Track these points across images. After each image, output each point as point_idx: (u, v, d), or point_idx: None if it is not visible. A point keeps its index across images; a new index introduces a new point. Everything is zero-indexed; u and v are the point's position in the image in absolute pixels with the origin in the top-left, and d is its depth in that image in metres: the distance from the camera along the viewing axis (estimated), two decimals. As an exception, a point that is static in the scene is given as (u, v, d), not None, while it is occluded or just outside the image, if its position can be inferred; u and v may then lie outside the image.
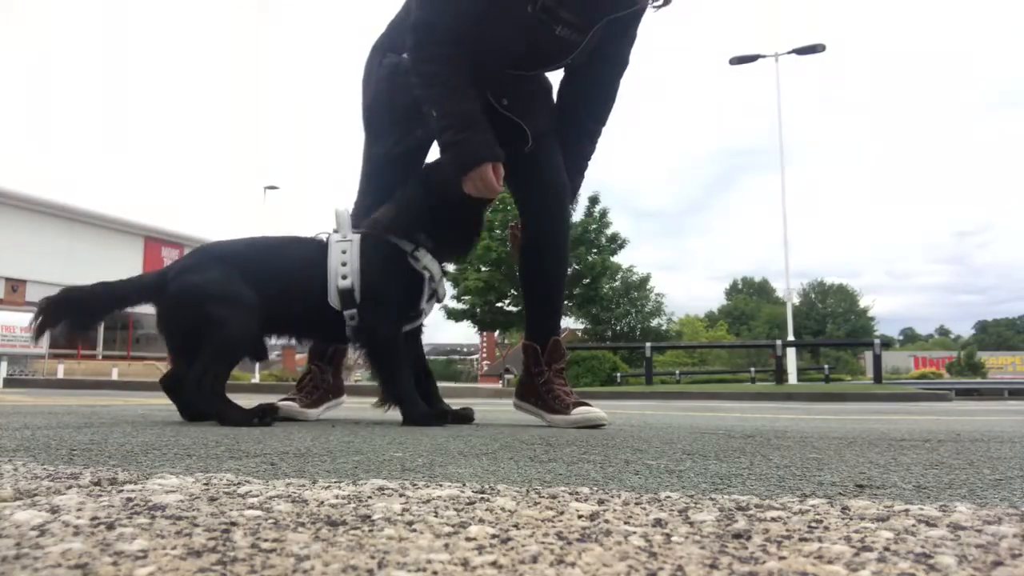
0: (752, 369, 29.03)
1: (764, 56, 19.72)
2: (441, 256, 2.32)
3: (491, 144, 2.16)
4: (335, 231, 2.32)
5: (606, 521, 0.72)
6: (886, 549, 0.61)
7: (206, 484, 0.91)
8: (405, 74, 2.27)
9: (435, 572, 0.54)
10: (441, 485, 0.94)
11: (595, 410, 2.32)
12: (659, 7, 2.28)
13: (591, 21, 2.23)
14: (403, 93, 2.30)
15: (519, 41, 2.25)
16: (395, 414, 2.28)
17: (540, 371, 2.41)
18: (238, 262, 2.21)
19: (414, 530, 0.67)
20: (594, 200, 31.06)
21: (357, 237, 2.26)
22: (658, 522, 0.72)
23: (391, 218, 2.25)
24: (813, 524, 0.72)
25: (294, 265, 2.26)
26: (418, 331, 2.39)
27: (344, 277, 2.20)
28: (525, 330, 2.51)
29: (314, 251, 2.26)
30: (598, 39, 2.29)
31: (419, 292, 2.28)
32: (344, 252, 2.22)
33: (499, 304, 29.65)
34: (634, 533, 0.67)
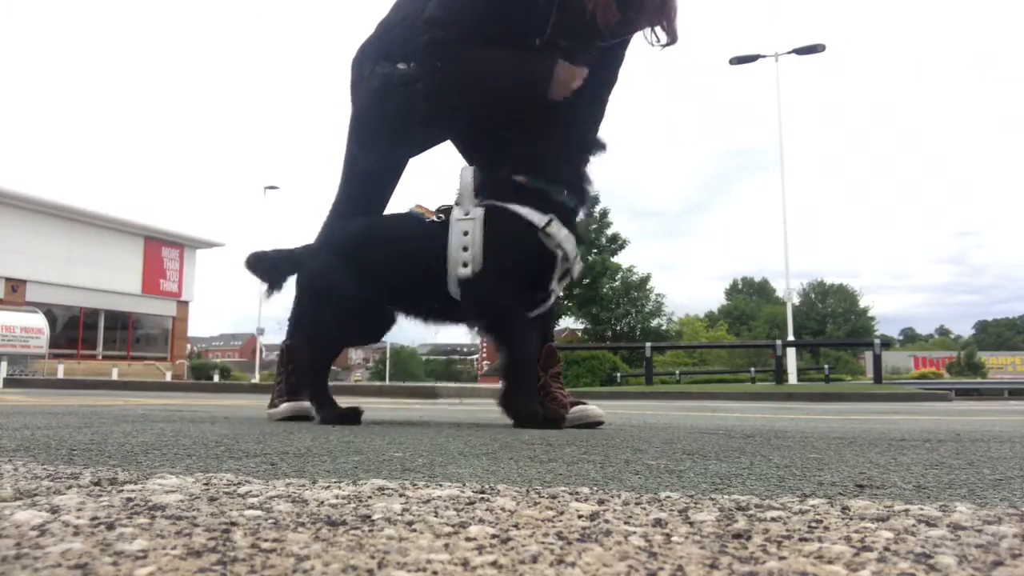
0: (752, 369, 29.01)
1: (764, 56, 19.72)
2: (578, 210, 2.21)
3: (544, 57, 2.16)
4: (456, 203, 2.16)
5: (606, 521, 0.72)
6: (886, 549, 0.61)
7: (206, 484, 0.91)
8: (399, 85, 2.26)
9: (435, 572, 0.54)
10: (441, 485, 0.94)
11: (592, 408, 2.29)
12: (664, 46, 2.26)
13: (589, 45, 2.23)
14: (395, 105, 2.28)
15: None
16: (394, 414, 2.28)
17: (538, 376, 2.39)
18: (356, 251, 2.18)
19: (414, 530, 0.66)
20: (594, 200, 31.08)
21: (480, 212, 2.10)
22: (658, 522, 0.72)
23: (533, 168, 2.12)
24: (813, 524, 0.72)
25: (413, 252, 2.16)
26: (547, 315, 2.27)
27: (465, 264, 2.06)
28: None
29: (434, 232, 2.11)
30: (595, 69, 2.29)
31: (550, 273, 2.13)
32: (466, 234, 2.07)
33: (499, 304, 29.66)
34: (634, 533, 0.67)
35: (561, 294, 2.19)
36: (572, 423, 2.24)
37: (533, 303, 2.16)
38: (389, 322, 2.32)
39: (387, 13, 2.47)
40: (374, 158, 2.42)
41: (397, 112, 2.29)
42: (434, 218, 2.14)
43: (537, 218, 2.07)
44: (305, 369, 2.28)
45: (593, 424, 2.27)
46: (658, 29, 2.23)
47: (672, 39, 2.24)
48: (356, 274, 2.15)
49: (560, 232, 2.08)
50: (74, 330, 27.22)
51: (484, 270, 2.06)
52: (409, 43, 2.27)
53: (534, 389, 2.18)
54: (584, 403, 2.32)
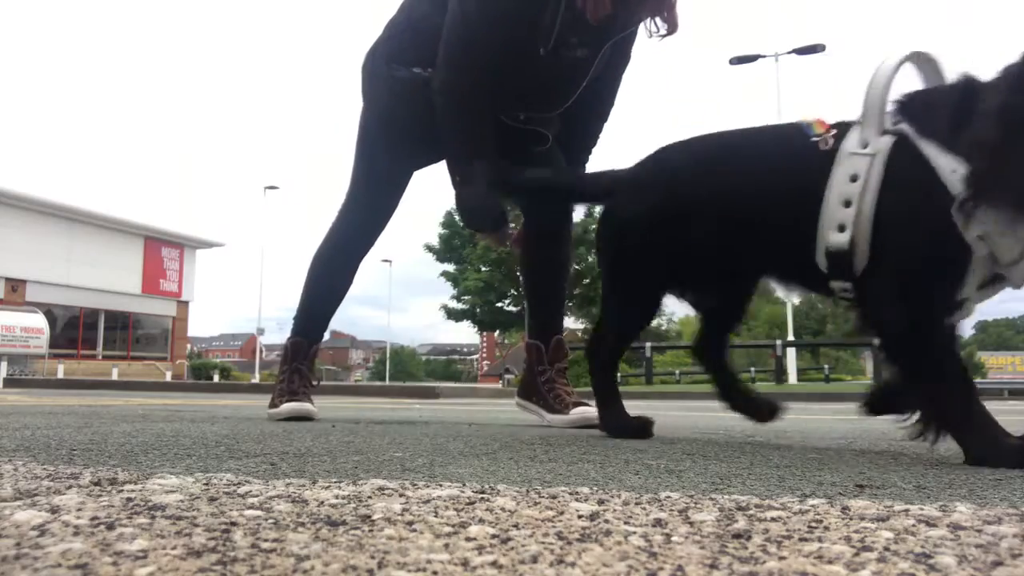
0: (752, 369, 28.96)
1: (764, 56, 19.73)
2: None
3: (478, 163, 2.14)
4: (858, 122, 1.44)
5: (606, 521, 0.72)
6: (886, 549, 0.61)
7: (206, 484, 0.91)
8: (424, 88, 2.22)
9: (435, 572, 0.54)
10: (441, 485, 0.94)
11: (594, 410, 2.24)
12: (664, 36, 2.21)
13: (602, 40, 2.20)
14: (423, 107, 2.23)
15: (536, 82, 2.24)
16: (394, 414, 2.28)
17: (544, 370, 2.40)
18: (687, 180, 1.67)
19: (414, 530, 0.66)
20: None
21: (886, 147, 1.38)
22: (658, 522, 0.72)
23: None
24: (813, 524, 0.72)
25: (772, 188, 1.53)
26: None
27: (841, 229, 1.39)
28: (528, 329, 2.50)
29: (812, 164, 1.44)
30: (609, 55, 2.26)
31: (961, 272, 1.35)
32: (854, 179, 1.37)
33: (499, 304, 29.69)
34: (634, 533, 0.67)
35: (976, 304, 1.46)
36: (573, 424, 2.27)
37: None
38: (747, 282, 1.79)
39: (394, 13, 2.44)
40: (402, 159, 2.44)
41: (426, 114, 2.24)
42: (822, 141, 1.46)
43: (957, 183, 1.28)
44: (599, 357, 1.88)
45: (595, 425, 2.23)
46: (658, 19, 2.18)
47: (672, 29, 2.19)
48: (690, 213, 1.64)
49: (986, 221, 1.27)
50: (74, 330, 27.22)
51: (876, 256, 1.39)
52: (422, 49, 2.24)
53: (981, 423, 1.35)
54: (586, 404, 2.32)
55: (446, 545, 0.61)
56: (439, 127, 2.21)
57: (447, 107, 2.17)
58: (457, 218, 2.21)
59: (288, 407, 2.41)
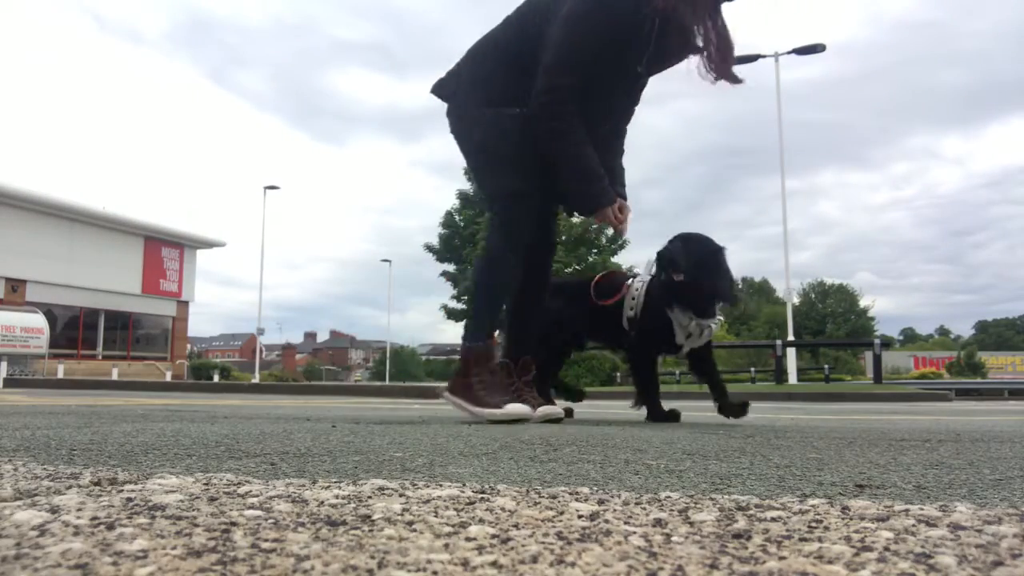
0: (752, 369, 28.97)
1: (764, 56, 19.70)
2: None
3: (609, 192, 2.63)
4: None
5: (606, 521, 0.72)
6: (886, 549, 0.61)
7: (206, 484, 0.91)
8: (522, 126, 2.57)
9: (435, 572, 0.54)
10: (441, 485, 0.94)
11: (555, 408, 2.77)
12: (715, 80, 2.65)
13: (654, 72, 2.67)
14: (520, 140, 2.59)
15: (619, 95, 2.68)
16: (394, 414, 2.27)
17: (513, 382, 2.81)
18: None
19: (414, 530, 0.66)
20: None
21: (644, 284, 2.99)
22: (658, 522, 0.72)
23: None
24: (813, 524, 0.72)
25: None
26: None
27: (631, 309, 3.04)
28: (503, 349, 2.89)
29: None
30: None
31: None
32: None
33: (499, 304, 29.70)
34: (634, 533, 0.67)
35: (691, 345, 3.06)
36: (540, 419, 2.65)
37: None
38: None
39: (462, 64, 2.75)
40: (518, 181, 2.68)
41: (523, 146, 2.59)
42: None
43: None
44: None
45: (555, 420, 2.70)
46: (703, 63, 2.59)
47: (720, 76, 2.68)
48: None
49: None
50: (74, 330, 27.23)
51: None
52: (511, 90, 2.58)
53: None
54: (545, 403, 2.77)
55: (446, 545, 0.61)
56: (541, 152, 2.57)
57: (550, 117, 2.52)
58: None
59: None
